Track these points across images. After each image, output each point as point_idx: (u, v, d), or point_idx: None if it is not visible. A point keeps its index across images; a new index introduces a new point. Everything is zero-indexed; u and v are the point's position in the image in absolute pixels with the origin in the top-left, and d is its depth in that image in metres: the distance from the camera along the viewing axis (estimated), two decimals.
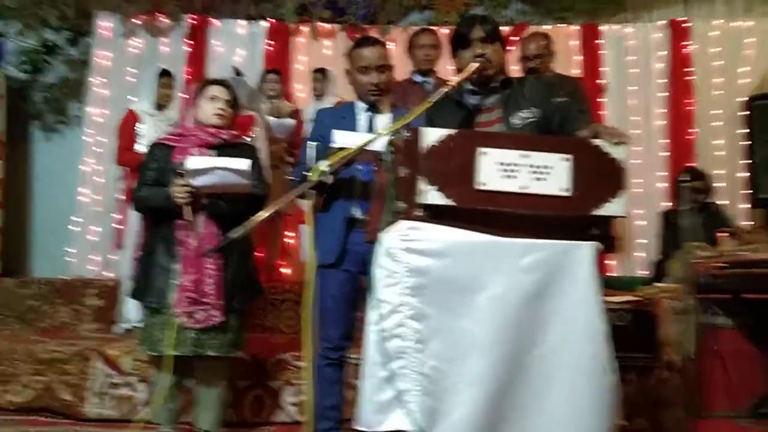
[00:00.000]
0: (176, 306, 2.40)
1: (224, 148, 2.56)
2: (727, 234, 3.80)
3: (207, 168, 2.35)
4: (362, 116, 2.51)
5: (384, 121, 2.45)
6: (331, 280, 2.39)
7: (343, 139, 2.20)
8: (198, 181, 2.37)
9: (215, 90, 2.58)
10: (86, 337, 3.79)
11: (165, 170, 2.48)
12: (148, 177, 2.53)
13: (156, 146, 2.60)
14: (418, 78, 3.82)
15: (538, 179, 1.67)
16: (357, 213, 2.40)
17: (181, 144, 2.53)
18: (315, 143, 2.34)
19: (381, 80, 2.44)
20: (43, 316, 4.27)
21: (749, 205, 5.26)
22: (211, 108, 2.56)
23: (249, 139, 3.43)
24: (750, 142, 5.24)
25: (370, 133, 2.29)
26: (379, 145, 1.97)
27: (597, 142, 1.73)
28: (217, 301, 2.42)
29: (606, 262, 5.04)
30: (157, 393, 2.55)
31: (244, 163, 2.36)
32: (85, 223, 5.16)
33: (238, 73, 4.45)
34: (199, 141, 2.53)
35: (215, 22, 5.55)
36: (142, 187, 2.55)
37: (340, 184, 2.29)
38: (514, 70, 4.28)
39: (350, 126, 2.47)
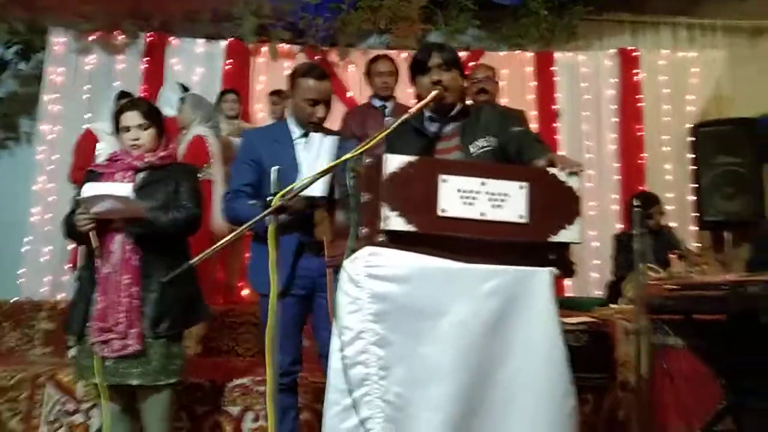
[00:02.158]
0: (90, 334, 2.37)
1: (153, 171, 2.52)
2: (677, 256, 3.94)
3: (96, 195, 2.34)
4: (298, 142, 2.54)
5: (321, 143, 2.50)
6: (277, 306, 2.38)
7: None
8: (96, 208, 2.34)
9: (125, 119, 2.51)
10: (37, 362, 3.66)
11: None
12: (75, 204, 2.50)
13: (88, 172, 2.57)
14: (377, 102, 3.86)
15: (496, 206, 1.71)
16: (305, 238, 2.43)
17: (108, 170, 2.51)
18: (278, 167, 2.33)
19: (325, 115, 2.50)
20: None
21: (697, 227, 5.46)
22: (126, 139, 2.51)
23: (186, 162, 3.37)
24: (696, 167, 5.46)
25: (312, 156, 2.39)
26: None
27: (553, 170, 1.78)
28: (129, 330, 2.35)
29: (562, 283, 5.16)
30: (104, 421, 2.49)
31: (125, 189, 2.38)
32: (36, 243, 5.02)
33: (185, 89, 4.37)
34: (124, 166, 2.49)
35: (173, 40, 5.50)
36: (68, 214, 2.53)
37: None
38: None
39: (287, 150, 2.49)
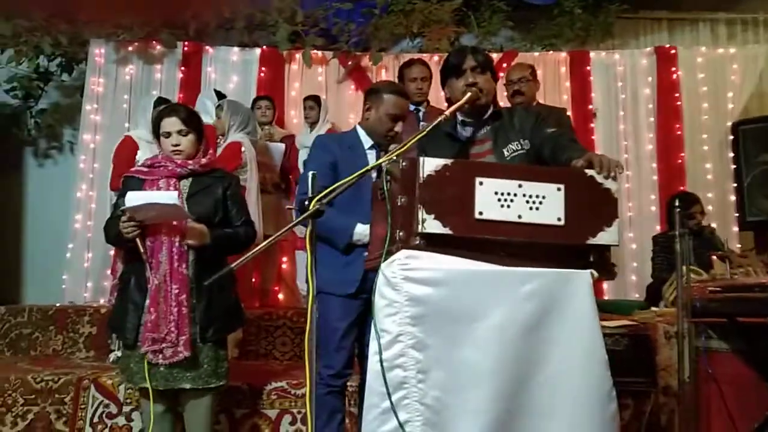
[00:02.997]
0: (142, 343, 2.41)
1: (196, 177, 2.56)
2: (719, 257, 3.84)
3: (143, 205, 2.35)
4: (369, 152, 2.57)
5: None
6: (335, 306, 2.41)
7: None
8: (140, 215, 2.37)
9: (166, 125, 2.53)
10: (80, 366, 3.75)
11: None
12: (117, 210, 2.54)
13: (127, 179, 2.59)
14: (411, 107, 3.85)
15: (533, 208, 1.70)
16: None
17: (150, 177, 2.53)
18: (314, 172, 2.35)
19: (401, 130, 2.55)
20: (36, 344, 4.22)
21: (739, 228, 5.32)
22: (167, 145, 2.54)
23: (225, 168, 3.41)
24: (737, 166, 5.33)
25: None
26: None
27: (590, 172, 1.76)
28: (180, 338, 2.40)
29: (601, 286, 5.08)
30: (146, 423, 2.54)
31: (171, 197, 2.37)
32: (78, 249, 5.15)
33: (221, 95, 4.42)
34: (167, 172, 2.52)
35: (209, 49, 5.60)
36: (109, 219, 2.57)
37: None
38: (501, 94, 4.38)
39: (361, 159, 2.51)
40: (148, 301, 2.43)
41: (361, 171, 1.80)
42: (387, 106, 2.53)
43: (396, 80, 4.08)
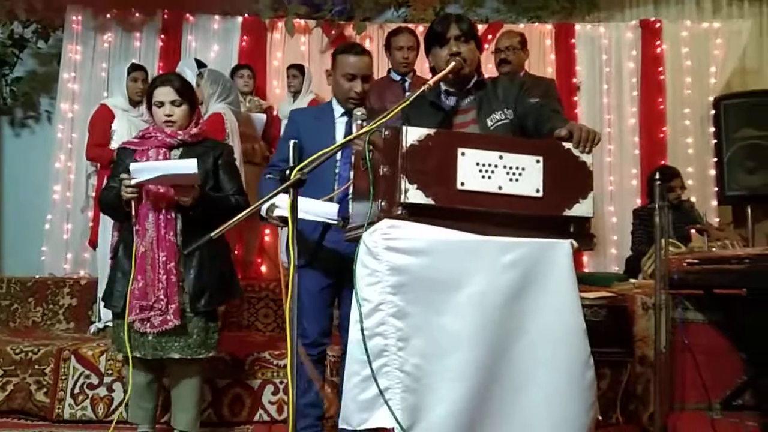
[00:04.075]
0: (130, 311, 2.40)
1: (187, 147, 2.53)
2: (698, 231, 3.90)
3: (156, 176, 2.30)
4: (340, 121, 2.53)
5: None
6: (308, 277, 2.39)
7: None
8: (143, 177, 2.32)
9: (159, 94, 2.51)
10: (60, 337, 3.74)
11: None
12: (113, 181, 2.52)
13: (121, 150, 2.59)
14: (396, 76, 3.82)
15: (513, 180, 1.71)
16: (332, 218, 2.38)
17: (141, 147, 2.51)
18: (294, 141, 2.34)
19: (363, 89, 2.48)
20: (15, 316, 4.19)
21: (718, 202, 5.39)
22: (159, 115, 2.52)
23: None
24: (718, 141, 5.37)
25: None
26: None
27: (567, 145, 1.77)
28: (169, 306, 2.39)
29: (581, 258, 5.13)
30: (130, 392, 2.54)
31: (190, 166, 2.29)
32: (57, 220, 5.08)
33: (201, 65, 4.34)
34: (158, 143, 2.50)
35: (189, 17, 5.48)
36: (104, 190, 2.56)
37: (316, 178, 2.27)
38: (488, 64, 4.36)
39: (327, 129, 2.49)
40: (135, 269, 2.41)
41: (340, 143, 1.78)
42: (341, 68, 2.50)
43: (383, 49, 4.04)
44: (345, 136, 2.43)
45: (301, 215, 2.19)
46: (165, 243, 2.41)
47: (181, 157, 2.50)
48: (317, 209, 2.29)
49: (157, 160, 2.45)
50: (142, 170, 2.32)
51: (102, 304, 3.68)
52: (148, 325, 2.40)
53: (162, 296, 2.39)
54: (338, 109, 2.56)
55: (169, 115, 2.50)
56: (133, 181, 2.33)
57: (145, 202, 2.42)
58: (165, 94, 2.50)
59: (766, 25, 5.92)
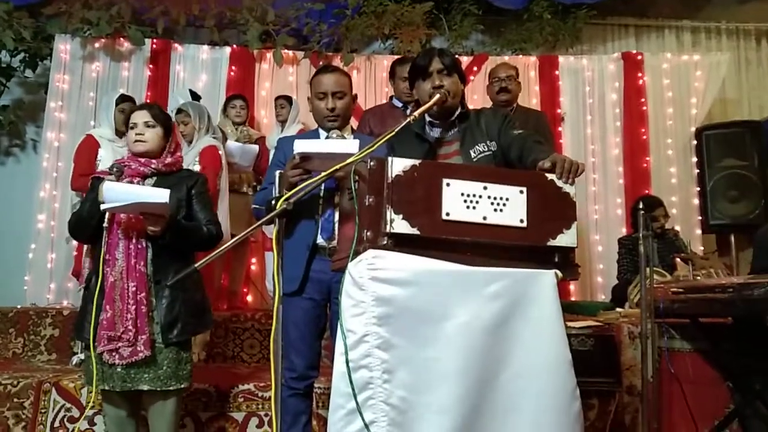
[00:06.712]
0: (98, 342, 2.36)
1: (160, 176, 2.52)
2: (682, 259, 3.93)
3: (128, 204, 2.27)
4: None
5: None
6: (294, 308, 2.37)
7: (303, 146, 2.22)
8: (114, 199, 2.28)
9: (134, 117, 2.53)
10: (41, 369, 3.66)
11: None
12: (82, 208, 2.51)
13: (95, 179, 2.56)
14: (398, 103, 3.85)
15: (497, 210, 1.73)
16: (320, 239, 2.40)
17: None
18: (281, 171, 2.34)
19: (336, 106, 2.48)
20: None
21: (702, 231, 5.44)
22: (131, 135, 2.52)
23: (190, 168, 3.34)
24: (701, 170, 5.45)
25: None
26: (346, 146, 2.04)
27: (551, 176, 1.80)
28: (139, 337, 2.35)
29: (567, 287, 5.14)
30: (108, 427, 2.49)
31: (161, 196, 2.28)
32: (41, 250, 5.02)
33: (194, 96, 4.36)
34: (131, 171, 2.48)
35: (178, 46, 5.52)
36: (76, 212, 2.55)
37: (302, 207, 2.27)
38: (482, 95, 4.42)
39: None
40: (104, 300, 2.38)
41: (326, 173, 1.79)
42: (314, 88, 2.53)
43: (386, 77, 4.07)
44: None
45: (318, 148, 2.24)
46: (135, 273, 2.38)
47: (154, 186, 2.48)
48: (334, 146, 2.26)
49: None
50: (114, 190, 2.30)
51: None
52: (117, 356, 2.35)
53: (131, 327, 2.34)
54: (323, 135, 2.57)
55: (140, 134, 2.50)
56: (103, 206, 2.30)
57: (115, 231, 2.40)
58: (139, 116, 2.53)
59: (744, 57, 6.09)
